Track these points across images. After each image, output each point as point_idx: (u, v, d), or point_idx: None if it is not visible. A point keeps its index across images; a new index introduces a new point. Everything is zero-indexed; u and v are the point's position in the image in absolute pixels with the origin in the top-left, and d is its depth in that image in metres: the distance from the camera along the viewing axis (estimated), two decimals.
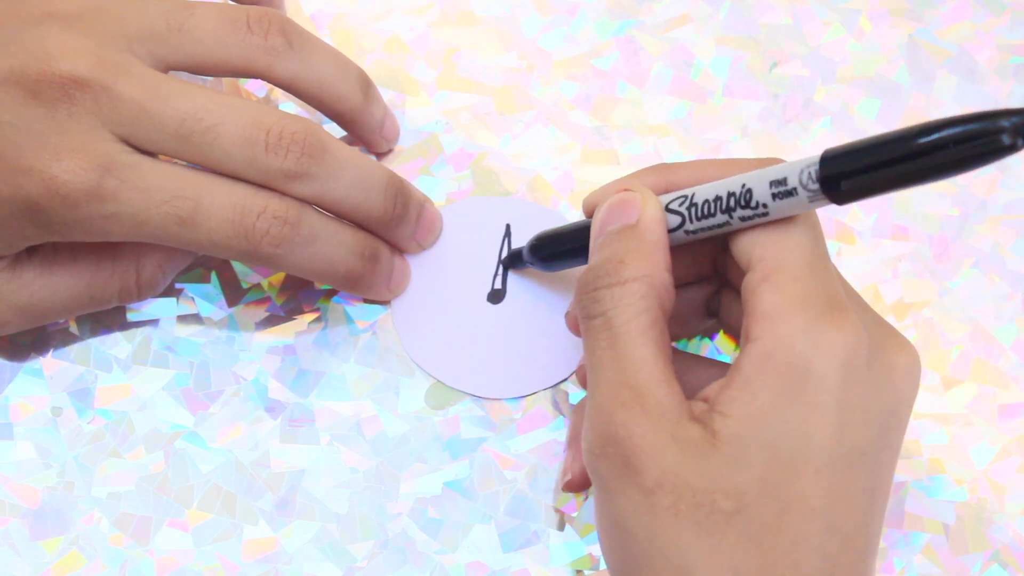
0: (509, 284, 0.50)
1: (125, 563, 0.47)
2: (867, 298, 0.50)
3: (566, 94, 0.53)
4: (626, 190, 0.42)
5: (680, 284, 0.43)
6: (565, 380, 0.49)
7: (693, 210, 0.40)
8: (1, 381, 0.49)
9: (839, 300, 0.39)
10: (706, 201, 0.40)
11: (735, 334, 0.46)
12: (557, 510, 0.47)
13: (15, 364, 0.49)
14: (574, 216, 0.51)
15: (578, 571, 0.47)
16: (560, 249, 0.47)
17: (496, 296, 0.50)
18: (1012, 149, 0.33)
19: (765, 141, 0.52)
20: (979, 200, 0.52)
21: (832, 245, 0.50)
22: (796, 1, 0.54)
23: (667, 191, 0.42)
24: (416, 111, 0.53)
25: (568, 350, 0.49)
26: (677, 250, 0.42)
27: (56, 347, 0.49)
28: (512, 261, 0.50)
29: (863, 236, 0.51)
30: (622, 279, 0.40)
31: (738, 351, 0.41)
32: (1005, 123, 0.33)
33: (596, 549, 0.47)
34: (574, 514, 0.47)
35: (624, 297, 0.40)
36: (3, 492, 0.47)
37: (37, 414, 0.48)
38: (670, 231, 0.41)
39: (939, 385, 0.49)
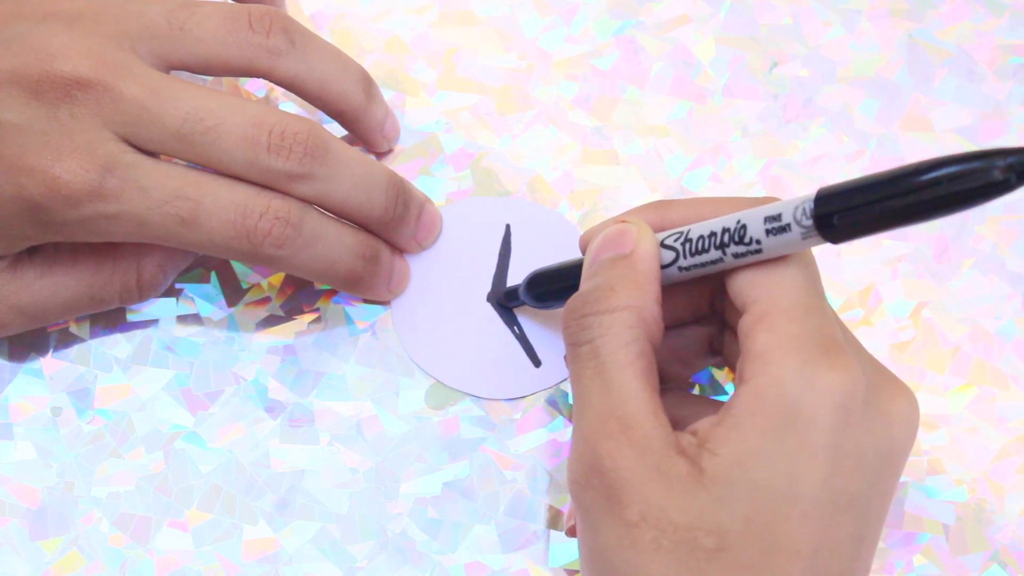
0: (508, 283, 0.50)
1: (125, 563, 0.47)
2: (867, 298, 0.50)
3: (566, 94, 0.53)
4: (623, 222, 0.42)
5: (681, 324, 0.43)
6: (564, 380, 0.49)
7: (688, 245, 0.40)
8: (1, 381, 0.49)
9: (834, 341, 0.38)
10: (700, 237, 0.40)
11: None
12: (557, 510, 0.47)
13: (15, 364, 0.49)
14: (573, 216, 0.51)
15: (577, 571, 0.47)
16: (555, 287, 0.46)
17: (496, 296, 0.50)
18: (1007, 187, 0.32)
19: (765, 141, 0.52)
20: None
21: (833, 246, 0.50)
22: (796, 1, 0.54)
23: (663, 229, 0.42)
24: (416, 111, 0.53)
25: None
26: (676, 290, 0.42)
27: (56, 347, 0.49)
28: (508, 299, 0.49)
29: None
30: (611, 307, 0.40)
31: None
32: (1000, 162, 0.32)
33: None
34: None
35: (612, 325, 0.39)
36: (3, 492, 0.47)
37: (37, 414, 0.48)
38: (664, 267, 0.41)
39: (939, 385, 0.49)
